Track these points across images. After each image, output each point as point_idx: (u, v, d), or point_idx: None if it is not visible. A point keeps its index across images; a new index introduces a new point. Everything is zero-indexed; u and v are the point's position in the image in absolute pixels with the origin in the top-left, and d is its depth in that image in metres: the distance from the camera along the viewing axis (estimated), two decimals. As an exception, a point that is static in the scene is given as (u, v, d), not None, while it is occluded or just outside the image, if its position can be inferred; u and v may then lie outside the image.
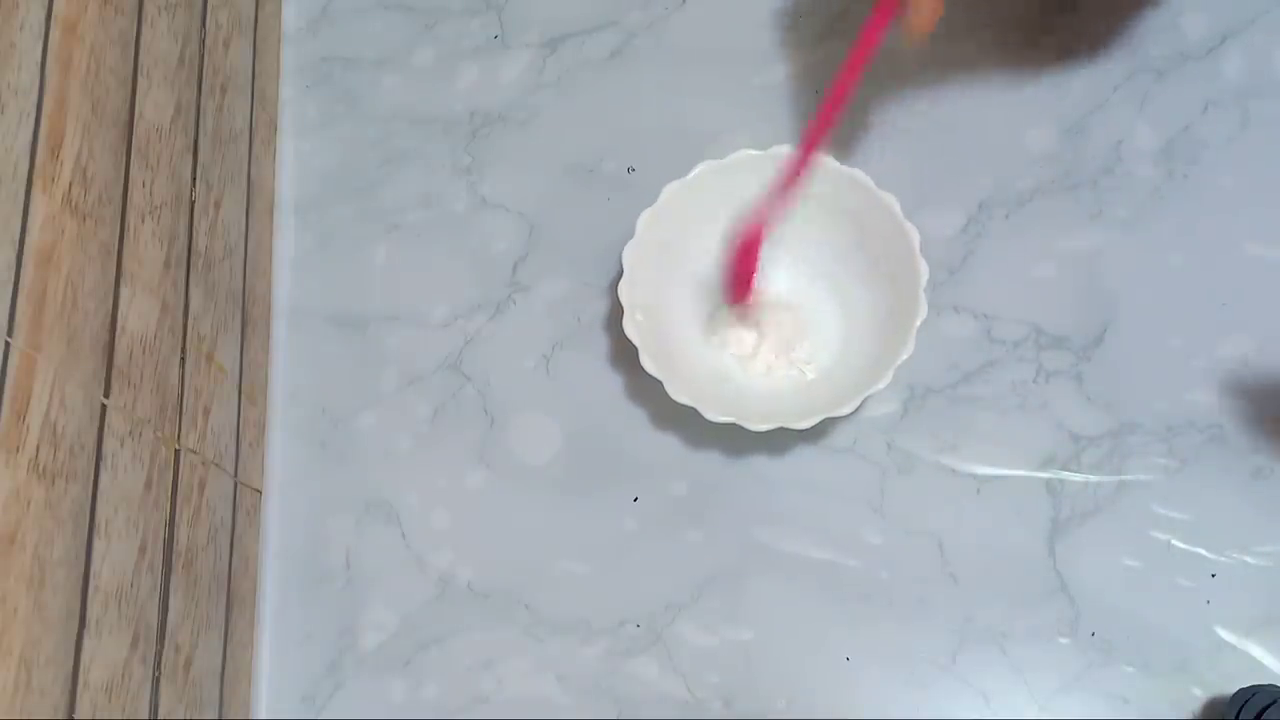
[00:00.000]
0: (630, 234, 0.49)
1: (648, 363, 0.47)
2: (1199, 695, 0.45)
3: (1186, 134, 0.53)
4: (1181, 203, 0.52)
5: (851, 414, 0.45)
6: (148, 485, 0.44)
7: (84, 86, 0.43)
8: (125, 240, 0.45)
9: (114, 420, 0.42)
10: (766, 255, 0.47)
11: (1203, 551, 0.47)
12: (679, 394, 0.46)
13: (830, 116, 0.44)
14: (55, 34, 0.42)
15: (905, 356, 0.45)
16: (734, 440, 0.51)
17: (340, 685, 0.51)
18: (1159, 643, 0.46)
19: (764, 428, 0.46)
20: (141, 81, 0.47)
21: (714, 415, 0.46)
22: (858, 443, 0.51)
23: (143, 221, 0.46)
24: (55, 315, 0.40)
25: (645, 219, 0.50)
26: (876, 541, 0.49)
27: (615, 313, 0.54)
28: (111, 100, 0.45)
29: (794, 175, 0.45)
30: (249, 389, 0.54)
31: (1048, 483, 0.49)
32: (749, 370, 0.51)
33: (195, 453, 0.48)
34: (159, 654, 0.44)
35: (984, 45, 0.56)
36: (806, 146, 0.45)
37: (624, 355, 0.53)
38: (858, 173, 0.49)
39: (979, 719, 0.46)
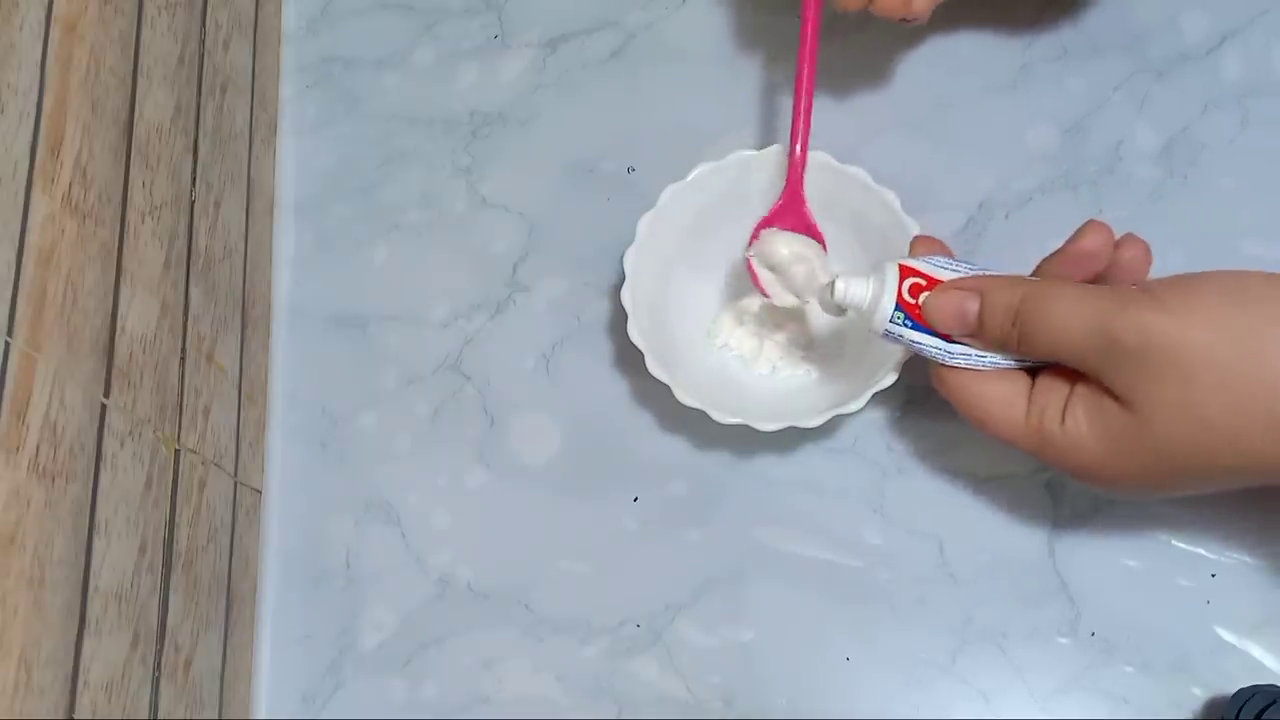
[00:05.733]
0: (630, 235, 0.49)
1: (654, 367, 0.47)
2: (1199, 695, 0.45)
3: (1186, 134, 0.53)
4: (1181, 203, 0.52)
5: (856, 412, 0.45)
6: (148, 485, 0.44)
7: (84, 86, 0.43)
8: (125, 240, 0.45)
9: (114, 420, 0.42)
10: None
11: (1203, 551, 0.47)
12: (686, 398, 0.46)
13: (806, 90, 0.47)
14: (55, 34, 0.42)
15: (910, 352, 0.45)
16: (734, 440, 0.51)
17: (340, 685, 0.51)
18: (1159, 643, 0.46)
19: (773, 427, 0.46)
20: (141, 81, 0.47)
21: (722, 417, 0.46)
22: (858, 443, 0.51)
23: (143, 221, 0.46)
24: (55, 315, 0.40)
25: (645, 222, 0.50)
26: (876, 541, 0.49)
27: (615, 313, 0.54)
28: (111, 100, 0.45)
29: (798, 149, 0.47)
30: (249, 389, 0.54)
31: (1048, 483, 0.49)
32: (752, 370, 0.51)
33: (195, 453, 0.48)
34: (159, 654, 0.44)
35: (984, 44, 0.56)
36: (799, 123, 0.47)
37: (624, 356, 0.53)
38: (856, 169, 0.49)
39: (979, 719, 0.46)
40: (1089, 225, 0.41)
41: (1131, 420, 0.36)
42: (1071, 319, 0.37)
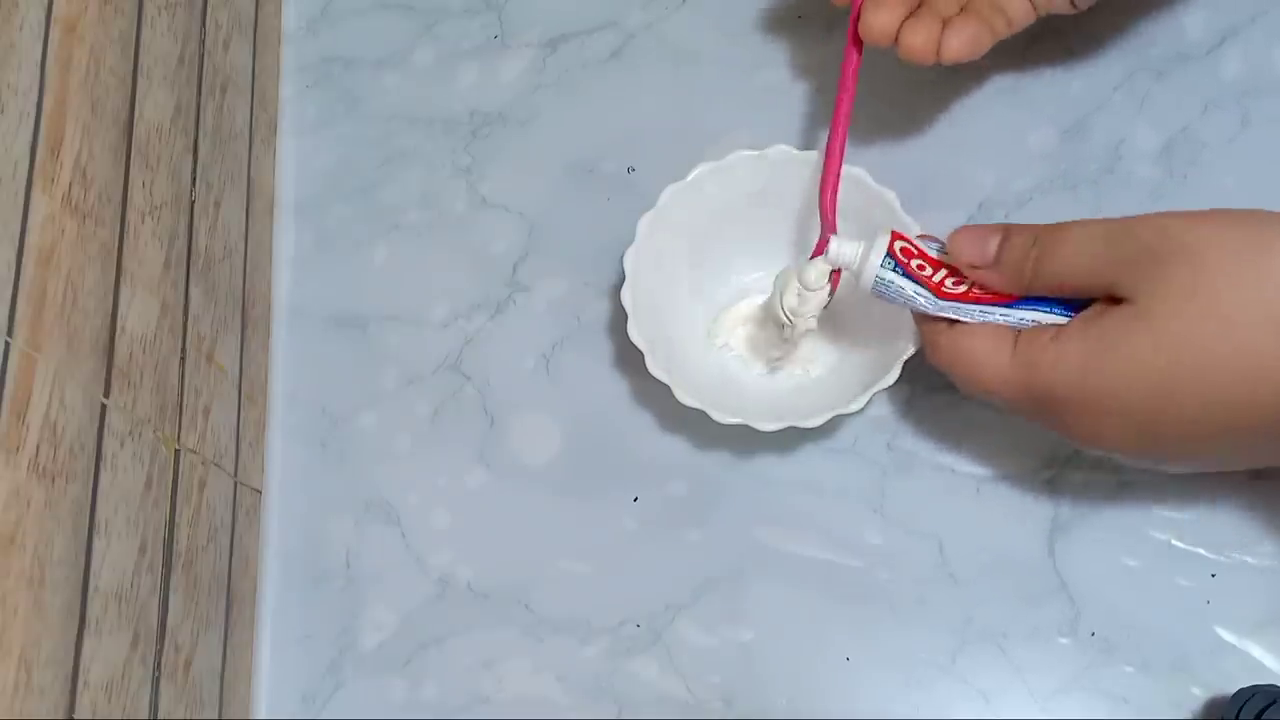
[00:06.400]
0: (630, 235, 0.49)
1: (654, 367, 0.47)
2: (1199, 695, 0.45)
3: (1186, 134, 0.53)
4: (1181, 203, 0.51)
5: (856, 412, 0.45)
6: (148, 485, 0.44)
7: (84, 86, 0.43)
8: (125, 240, 0.45)
9: (114, 420, 0.42)
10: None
11: (1203, 551, 0.47)
12: (686, 397, 0.46)
13: (842, 123, 0.47)
14: (55, 34, 0.42)
15: (911, 352, 0.45)
16: (734, 441, 0.51)
17: (340, 685, 0.51)
18: (1159, 643, 0.46)
19: (773, 427, 0.46)
20: (141, 81, 0.47)
21: (722, 417, 0.46)
22: (858, 442, 0.51)
23: (143, 221, 0.46)
24: (55, 315, 0.40)
25: (645, 222, 0.50)
26: (876, 541, 0.49)
27: (616, 313, 0.54)
28: (111, 100, 0.45)
29: (829, 182, 0.47)
30: (249, 389, 0.54)
31: (1048, 482, 0.49)
32: (752, 370, 0.51)
33: (195, 453, 0.48)
34: (159, 654, 0.44)
35: (984, 45, 0.56)
36: (831, 159, 0.47)
37: (624, 356, 0.53)
38: (856, 169, 0.49)
39: (979, 719, 0.46)
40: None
41: (1131, 311, 0.36)
42: (1089, 235, 0.38)
